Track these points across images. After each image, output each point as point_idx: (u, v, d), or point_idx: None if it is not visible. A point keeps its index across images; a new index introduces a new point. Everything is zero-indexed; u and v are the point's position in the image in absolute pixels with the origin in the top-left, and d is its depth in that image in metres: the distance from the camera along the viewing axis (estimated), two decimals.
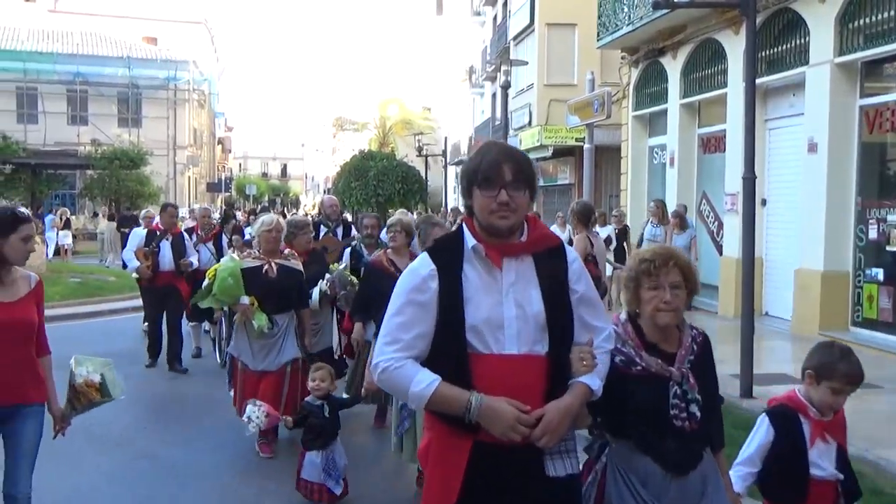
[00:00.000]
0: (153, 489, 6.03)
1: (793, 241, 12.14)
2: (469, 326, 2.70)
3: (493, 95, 35.10)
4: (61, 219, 27.88)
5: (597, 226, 13.17)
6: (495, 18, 36.59)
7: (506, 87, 21.23)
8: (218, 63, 64.49)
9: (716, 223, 14.79)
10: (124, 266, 10.99)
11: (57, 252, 25.87)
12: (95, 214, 34.85)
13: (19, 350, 4.06)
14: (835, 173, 11.03)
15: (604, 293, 9.79)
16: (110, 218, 28.48)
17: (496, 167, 2.73)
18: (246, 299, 6.62)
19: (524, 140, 26.32)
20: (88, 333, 12.15)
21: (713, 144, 15.08)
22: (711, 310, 13.27)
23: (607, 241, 13.31)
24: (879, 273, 10.60)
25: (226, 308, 7.81)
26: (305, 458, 5.37)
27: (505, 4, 33.67)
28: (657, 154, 17.35)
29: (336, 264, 7.95)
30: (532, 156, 22.77)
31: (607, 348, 2.91)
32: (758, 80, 9.29)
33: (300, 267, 7.00)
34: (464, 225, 2.87)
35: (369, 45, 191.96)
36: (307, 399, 5.55)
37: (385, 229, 7.35)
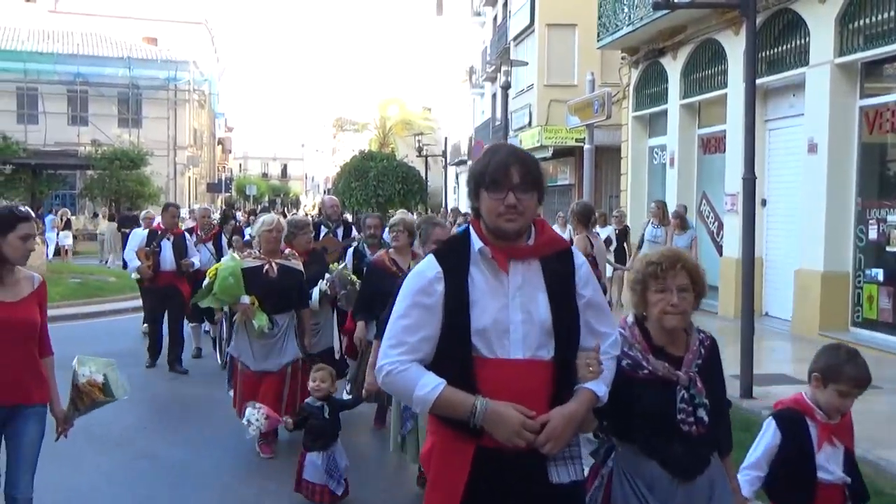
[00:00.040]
0: (153, 489, 6.03)
1: (793, 242, 12.14)
2: (475, 330, 2.67)
3: (494, 96, 35.10)
4: (62, 219, 27.88)
5: (597, 226, 13.17)
6: (495, 19, 36.59)
7: (506, 87, 21.25)
8: (218, 63, 64.50)
9: (716, 223, 14.79)
10: (125, 266, 10.98)
11: (57, 252, 25.87)
12: (95, 215, 34.85)
13: (21, 350, 4.05)
14: (835, 174, 11.04)
15: (603, 293, 9.78)
16: (110, 218, 28.48)
17: (504, 169, 2.70)
18: (247, 299, 6.62)
19: (524, 140, 26.31)
20: (89, 334, 12.14)
21: (713, 145, 15.08)
22: (711, 310, 13.27)
23: (607, 241, 13.30)
24: (879, 273, 10.61)
25: (226, 308, 7.81)
26: (306, 459, 5.37)
27: (505, 5, 33.67)
28: (657, 154, 17.36)
29: (336, 264, 7.95)
30: None
31: (613, 354, 2.88)
32: (758, 81, 9.29)
33: (301, 267, 7.00)
34: (470, 227, 2.84)
35: (369, 46, 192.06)
36: (307, 400, 5.54)
37: (387, 229, 7.35)
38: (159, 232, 10.28)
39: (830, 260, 11.06)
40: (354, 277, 7.66)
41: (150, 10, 51.15)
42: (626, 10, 16.23)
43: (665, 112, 16.34)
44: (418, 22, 63.58)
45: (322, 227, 9.89)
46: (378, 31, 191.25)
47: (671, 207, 13.92)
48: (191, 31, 52.73)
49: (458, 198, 45.05)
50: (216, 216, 15.67)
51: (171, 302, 10.05)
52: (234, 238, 11.97)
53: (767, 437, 3.52)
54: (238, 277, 6.64)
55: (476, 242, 2.77)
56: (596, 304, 2.86)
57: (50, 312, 4.41)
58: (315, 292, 7.39)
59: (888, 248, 10.45)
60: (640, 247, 12.80)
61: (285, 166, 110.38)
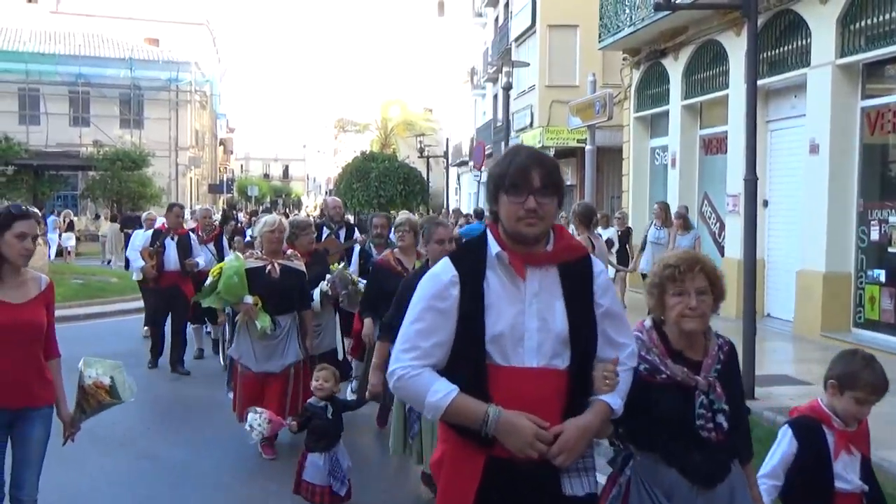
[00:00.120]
0: (154, 490, 6.04)
1: (794, 243, 12.14)
2: (489, 336, 2.62)
3: (495, 97, 35.11)
4: (65, 221, 27.90)
5: (599, 227, 13.16)
6: (497, 20, 36.60)
7: (507, 88, 21.24)
8: (220, 64, 64.57)
9: (717, 224, 14.79)
10: (127, 266, 10.96)
11: (59, 254, 25.87)
12: (97, 216, 34.86)
13: (27, 352, 4.03)
14: (836, 175, 11.04)
15: None
16: (112, 219, 28.49)
17: (525, 172, 2.63)
18: (250, 299, 6.61)
19: (525, 141, 26.30)
20: (91, 335, 12.16)
21: (715, 146, 15.08)
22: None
23: (609, 243, 13.29)
24: (881, 274, 10.60)
25: (229, 309, 7.81)
26: (307, 460, 5.34)
27: (506, 6, 33.69)
28: (659, 155, 17.36)
29: (337, 265, 7.95)
30: None
31: (630, 366, 2.82)
32: (759, 82, 9.30)
33: (303, 267, 6.99)
34: (488, 231, 2.78)
35: (371, 47, 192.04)
36: (310, 400, 5.52)
37: (393, 229, 7.36)
38: (163, 232, 10.28)
39: (832, 261, 11.06)
40: (356, 278, 7.67)
41: (152, 10, 51.20)
42: (627, 10, 16.24)
43: (666, 113, 16.34)
44: (420, 23, 63.59)
45: (324, 228, 9.89)
46: (379, 32, 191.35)
47: (673, 208, 13.92)
48: (192, 32, 52.80)
49: (460, 199, 45.09)
50: (217, 217, 15.68)
51: (174, 303, 10.02)
52: (235, 239, 11.97)
53: (784, 445, 3.44)
54: (242, 277, 6.63)
55: (493, 247, 2.71)
56: (614, 314, 2.80)
57: None
58: (316, 293, 7.39)
59: (890, 249, 10.44)
60: (642, 248, 12.81)
61: (287, 167, 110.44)
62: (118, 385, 4.36)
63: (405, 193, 29.60)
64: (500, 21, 35.19)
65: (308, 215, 20.75)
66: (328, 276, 7.55)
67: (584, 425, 2.61)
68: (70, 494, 5.83)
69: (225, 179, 62.11)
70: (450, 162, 40.01)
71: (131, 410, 7.49)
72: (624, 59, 18.45)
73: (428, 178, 34.30)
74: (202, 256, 10.31)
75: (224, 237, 11.82)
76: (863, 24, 10.71)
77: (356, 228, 10.50)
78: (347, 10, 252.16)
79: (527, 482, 2.63)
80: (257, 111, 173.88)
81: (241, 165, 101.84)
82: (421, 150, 39.02)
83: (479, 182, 39.32)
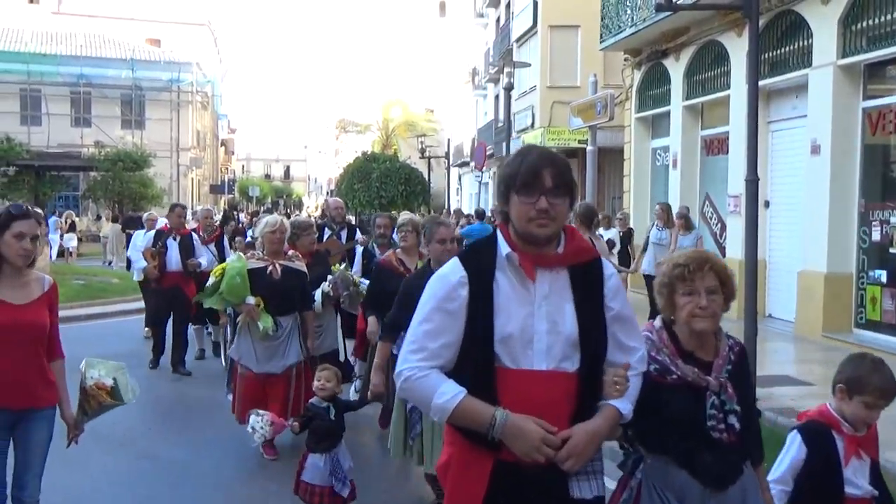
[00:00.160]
0: (154, 489, 6.04)
1: (796, 243, 12.14)
2: (498, 338, 2.59)
3: (496, 97, 35.12)
4: (66, 222, 27.90)
5: (601, 228, 13.16)
6: (498, 20, 36.61)
7: (508, 88, 21.22)
8: (221, 65, 64.60)
9: (719, 225, 14.78)
10: (128, 267, 10.95)
11: (61, 254, 25.88)
12: (99, 217, 34.87)
13: (27, 352, 4.01)
14: (838, 175, 11.03)
15: None
16: (114, 220, 28.50)
17: (536, 172, 2.60)
18: (252, 300, 6.61)
19: (527, 142, 26.30)
20: (92, 335, 12.16)
21: (716, 146, 15.08)
22: None
23: (610, 244, 13.29)
24: (883, 275, 10.60)
25: (230, 310, 7.81)
26: (308, 461, 5.31)
27: (508, 6, 33.71)
28: (660, 156, 17.35)
29: (339, 266, 7.95)
30: None
31: (640, 370, 2.79)
32: (761, 83, 9.29)
33: (304, 268, 6.98)
34: (498, 231, 2.74)
35: (372, 47, 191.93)
36: (312, 401, 5.50)
37: (396, 229, 7.35)
38: (166, 232, 10.27)
39: (833, 261, 11.06)
40: (357, 279, 7.66)
41: (154, 11, 51.25)
42: (628, 11, 16.24)
43: (668, 114, 16.34)
44: (421, 23, 63.53)
45: (326, 228, 9.89)
46: (381, 33, 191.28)
47: (674, 209, 13.91)
48: (194, 33, 52.83)
49: (461, 199, 45.09)
50: (217, 217, 15.69)
51: (175, 303, 10.01)
52: (236, 239, 11.97)
53: (793, 450, 3.39)
54: (245, 278, 6.63)
55: (503, 247, 2.68)
56: (624, 318, 2.76)
57: None
58: (318, 294, 7.39)
59: (891, 250, 10.44)
60: (644, 249, 12.82)
61: (288, 168, 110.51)
62: (121, 387, 4.33)
63: (406, 194, 29.62)
64: (502, 21, 35.21)
65: (309, 216, 20.76)
66: (330, 277, 7.54)
67: (593, 430, 2.59)
68: (71, 494, 5.83)
69: (226, 180, 62.12)
70: (451, 162, 40.04)
71: (132, 411, 7.48)
72: (625, 60, 18.45)
73: (429, 179, 34.34)
74: (205, 257, 10.28)
75: (225, 238, 11.81)
76: (864, 24, 10.70)
77: (357, 229, 10.50)
78: (349, 11, 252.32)
79: (534, 486, 2.60)
80: (259, 112, 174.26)
81: (243, 166, 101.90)
82: (422, 151, 39.03)
83: (480, 183, 39.41)
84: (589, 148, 15.61)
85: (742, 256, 8.76)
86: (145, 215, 14.17)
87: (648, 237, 12.72)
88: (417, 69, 61.71)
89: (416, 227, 6.65)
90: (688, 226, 12.57)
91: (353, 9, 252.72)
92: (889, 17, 10.26)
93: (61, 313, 4.38)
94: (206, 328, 11.13)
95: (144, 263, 10.07)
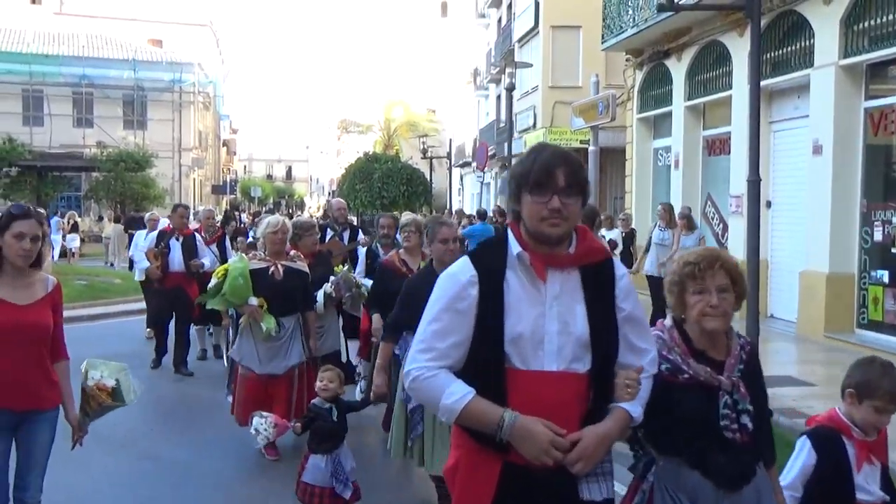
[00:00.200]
0: (155, 490, 6.04)
1: (798, 243, 12.13)
2: (509, 338, 2.56)
3: (498, 97, 35.14)
4: (69, 222, 27.92)
5: (603, 229, 13.15)
6: (500, 21, 36.64)
7: (510, 89, 21.24)
8: (223, 65, 64.61)
9: (721, 225, 14.78)
10: (131, 267, 10.95)
11: (63, 255, 25.90)
12: (101, 218, 34.89)
13: (28, 352, 3.99)
14: (840, 175, 11.03)
15: None
16: (116, 220, 28.52)
17: (549, 171, 2.56)
18: (255, 300, 6.60)
19: (529, 142, 26.28)
20: (94, 336, 12.16)
21: (718, 146, 15.08)
22: None
23: (612, 244, 13.30)
24: (885, 275, 10.59)
25: (232, 311, 7.80)
26: (309, 462, 5.29)
27: (509, 7, 33.72)
28: (662, 156, 17.35)
29: (341, 267, 7.94)
30: None
31: (651, 373, 2.75)
32: (763, 83, 9.29)
33: (306, 268, 6.98)
34: (509, 230, 2.71)
35: (374, 48, 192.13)
36: (314, 401, 5.48)
37: (399, 229, 7.35)
38: (168, 232, 10.28)
39: (835, 261, 11.05)
40: (360, 281, 7.66)
41: (155, 12, 51.32)
42: (630, 11, 16.24)
43: (670, 114, 16.34)
44: (423, 24, 63.61)
45: (328, 229, 9.89)
46: (383, 33, 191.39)
47: (676, 210, 13.91)
48: (196, 33, 52.83)
49: (463, 200, 45.09)
50: (218, 218, 15.69)
51: (178, 304, 10.00)
52: (238, 239, 11.96)
53: (803, 456, 3.32)
54: (247, 279, 6.61)
55: (514, 247, 2.64)
56: (635, 319, 2.73)
57: None
58: (320, 295, 7.38)
59: (893, 250, 10.44)
60: (647, 250, 12.82)
61: (290, 168, 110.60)
62: (123, 388, 4.31)
63: (408, 194, 29.61)
64: (504, 22, 35.22)
65: (311, 216, 20.76)
66: (332, 278, 7.53)
67: (603, 433, 2.56)
68: (73, 495, 5.83)
69: (228, 180, 62.23)
70: (453, 163, 40.03)
71: (134, 411, 7.48)
72: (627, 60, 18.45)
73: (431, 179, 34.34)
74: (208, 257, 10.27)
75: (227, 239, 11.79)
76: (866, 24, 10.70)
77: (360, 230, 10.49)
78: (351, 11, 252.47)
79: (543, 489, 2.57)
80: (260, 112, 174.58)
81: (245, 166, 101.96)
82: (424, 151, 39.04)
83: (481, 183, 39.47)
84: (591, 148, 15.65)
85: (744, 257, 8.76)
86: (147, 215, 14.17)
87: (651, 238, 12.72)
88: (419, 69, 61.82)
89: (419, 228, 6.64)
90: (690, 226, 12.58)
91: (355, 9, 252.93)
92: (891, 17, 10.26)
93: (63, 313, 4.36)
94: (208, 329, 11.13)
95: (147, 264, 10.07)
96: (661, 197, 15.99)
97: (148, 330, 11.56)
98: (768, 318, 12.54)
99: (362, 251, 8.70)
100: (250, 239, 10.99)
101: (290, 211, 57.37)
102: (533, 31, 28.17)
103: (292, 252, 7.06)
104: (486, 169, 33.15)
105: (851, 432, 3.31)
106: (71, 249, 26.68)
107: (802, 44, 12.03)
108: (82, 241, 28.88)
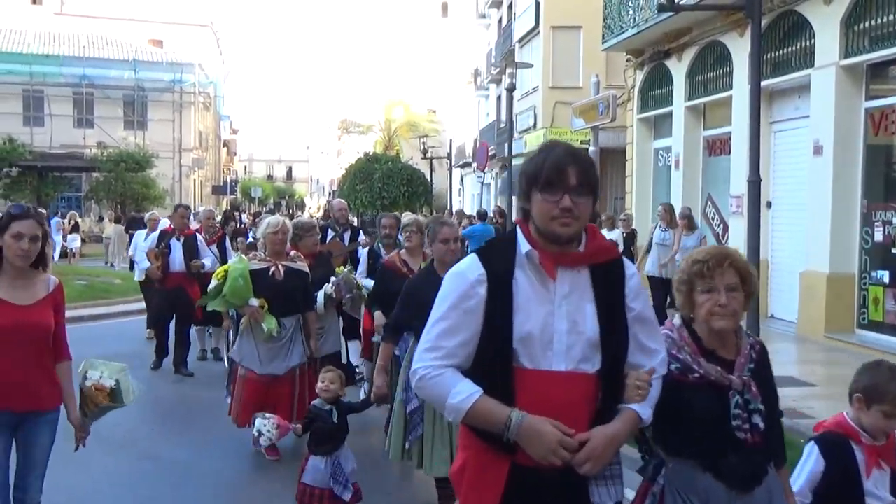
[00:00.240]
0: (156, 490, 6.04)
1: (798, 244, 12.13)
2: (517, 338, 2.53)
3: (498, 98, 35.15)
4: (69, 223, 27.92)
5: (604, 229, 13.14)
6: (500, 21, 36.65)
7: (511, 89, 21.23)
8: (223, 66, 64.63)
9: (721, 225, 14.78)
10: (132, 267, 10.94)
11: (64, 255, 25.89)
12: (101, 218, 34.89)
13: (28, 353, 3.98)
14: (840, 176, 11.03)
15: None
16: (116, 220, 28.53)
17: (560, 170, 2.53)
18: (255, 301, 6.58)
19: (529, 142, 26.32)
20: (94, 336, 12.16)
21: (718, 147, 15.07)
22: None
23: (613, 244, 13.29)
24: (885, 275, 10.59)
25: (233, 313, 7.79)
26: (309, 463, 5.27)
27: (510, 7, 33.73)
28: (662, 156, 17.35)
29: (342, 268, 7.93)
30: None
31: (661, 373, 2.71)
32: (763, 83, 9.30)
33: (306, 269, 6.97)
34: (518, 228, 2.68)
35: (374, 48, 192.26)
36: (315, 402, 5.45)
37: (401, 230, 7.34)
38: (169, 233, 10.27)
39: (836, 262, 11.05)
40: (360, 282, 7.65)
41: (156, 12, 51.34)
42: (630, 12, 16.24)
43: (670, 114, 16.34)
44: (423, 24, 63.71)
45: (329, 230, 9.88)
46: (383, 34, 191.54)
47: (676, 210, 13.91)
48: (196, 34, 52.84)
49: (463, 200, 45.09)
50: (218, 218, 15.68)
51: (178, 304, 9.98)
52: (238, 240, 11.95)
53: (811, 463, 3.27)
54: (247, 279, 6.60)
55: (523, 245, 2.61)
56: (646, 319, 2.70)
57: None
58: (320, 295, 7.37)
59: (894, 250, 10.44)
60: (648, 250, 12.82)
61: (290, 168, 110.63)
62: (123, 389, 4.29)
63: (408, 195, 29.61)
64: (504, 22, 35.23)
65: (311, 217, 20.76)
66: (333, 279, 7.52)
67: (612, 434, 2.53)
68: (73, 495, 5.83)
69: (228, 181, 62.22)
70: (453, 163, 40.05)
71: (134, 411, 7.49)
72: (627, 61, 18.45)
73: (431, 180, 34.35)
74: (209, 258, 10.25)
75: (227, 239, 11.77)
76: (867, 24, 10.70)
77: (360, 231, 10.48)
78: (351, 12, 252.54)
79: (552, 490, 2.54)
80: (261, 113, 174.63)
81: (245, 167, 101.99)
82: (424, 152, 39.06)
83: (482, 183, 39.47)
84: (591, 148, 15.65)
85: (744, 257, 8.74)
86: (147, 216, 14.16)
87: (652, 238, 12.72)
88: (419, 70, 61.89)
89: (420, 228, 6.63)
90: (691, 226, 12.58)
91: (356, 9, 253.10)
92: (891, 17, 10.25)
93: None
94: (208, 330, 11.12)
95: (148, 264, 10.06)
96: (662, 197, 15.99)
97: (148, 330, 11.55)
98: (769, 319, 12.53)
99: (363, 252, 8.69)
100: (250, 239, 10.98)
101: (291, 211, 57.42)
102: (533, 32, 28.18)
103: (292, 252, 7.05)
104: (486, 169, 33.14)
105: (860, 437, 3.27)
106: (71, 250, 26.67)
107: (803, 44, 12.03)
108: (83, 241, 28.87)
